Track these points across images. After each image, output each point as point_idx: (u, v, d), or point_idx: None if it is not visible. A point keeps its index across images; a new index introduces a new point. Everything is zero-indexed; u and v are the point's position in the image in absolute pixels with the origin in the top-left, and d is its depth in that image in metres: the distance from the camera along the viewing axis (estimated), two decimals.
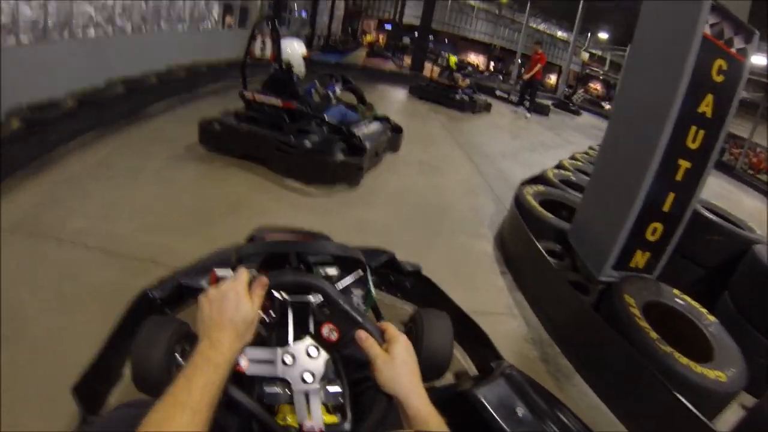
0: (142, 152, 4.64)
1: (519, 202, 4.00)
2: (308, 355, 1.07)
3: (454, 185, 5.63)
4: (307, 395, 1.03)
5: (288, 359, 1.05)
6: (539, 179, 4.89)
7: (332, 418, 1.06)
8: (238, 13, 12.14)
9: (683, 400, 2.09)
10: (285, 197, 4.21)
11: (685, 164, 2.69)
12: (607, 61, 37.46)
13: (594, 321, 2.61)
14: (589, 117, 19.75)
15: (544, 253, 3.19)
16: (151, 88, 6.33)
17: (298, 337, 1.11)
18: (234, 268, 1.25)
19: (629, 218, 2.75)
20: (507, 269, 3.65)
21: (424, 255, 2.79)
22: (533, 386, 1.66)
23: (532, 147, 9.36)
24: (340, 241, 1.72)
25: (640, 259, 2.97)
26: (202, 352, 0.92)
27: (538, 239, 3.38)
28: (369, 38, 42.58)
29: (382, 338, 1.06)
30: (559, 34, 39.78)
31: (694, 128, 2.62)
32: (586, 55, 32.74)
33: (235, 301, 1.00)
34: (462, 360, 2.41)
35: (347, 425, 1.05)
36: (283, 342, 1.11)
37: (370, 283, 1.57)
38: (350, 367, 1.19)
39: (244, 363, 1.01)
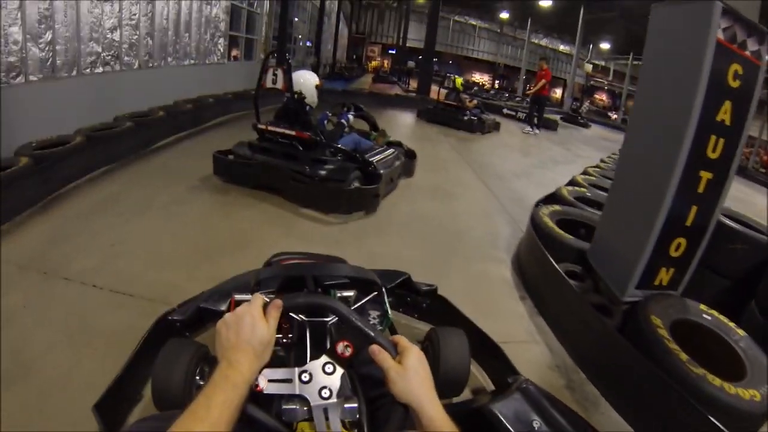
0: (150, 187, 4.63)
1: (535, 223, 3.89)
2: (325, 371, 1.09)
3: (468, 209, 5.54)
4: (326, 411, 1.06)
5: (305, 377, 1.08)
6: (554, 198, 4.79)
7: None
8: (243, 46, 12.26)
9: (719, 425, 1.96)
10: (297, 228, 4.16)
11: (706, 175, 2.59)
12: (611, 71, 37.51)
13: (620, 345, 2.49)
14: (597, 128, 19.80)
15: (564, 275, 3.09)
16: (159, 122, 6.35)
17: (315, 356, 1.14)
18: (253, 292, 1.32)
19: (652, 235, 2.64)
20: (526, 294, 3.53)
21: (441, 284, 2.72)
22: (550, 400, 1.67)
23: (543, 164, 9.29)
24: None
25: (664, 276, 2.86)
26: (222, 372, 0.96)
27: (557, 261, 3.27)
28: (374, 64, 43.12)
29: (395, 351, 1.09)
30: (561, 47, 39.95)
31: (713, 137, 2.52)
32: (589, 67, 32.80)
33: (251, 324, 1.03)
34: (479, 376, 2.41)
35: None
36: (302, 361, 1.15)
37: (387, 304, 1.63)
38: (367, 384, 1.21)
39: (262, 383, 1.03)
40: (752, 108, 2.61)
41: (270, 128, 4.99)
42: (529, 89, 14.01)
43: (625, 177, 3.20)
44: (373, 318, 1.63)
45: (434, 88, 16.84)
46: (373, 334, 1.11)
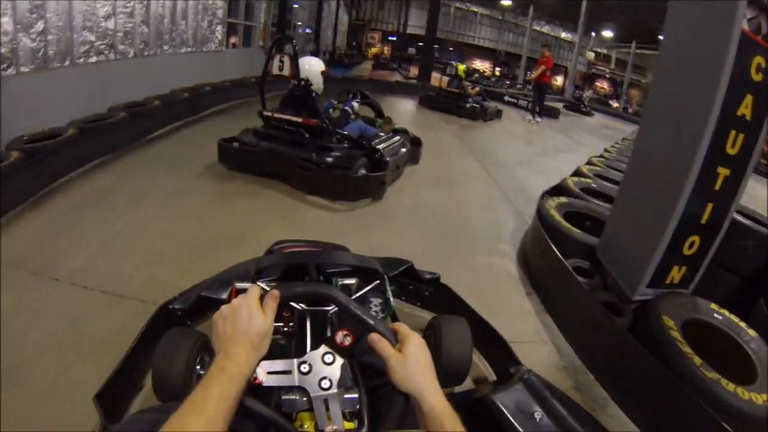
0: (145, 178, 4.53)
1: (542, 216, 3.78)
2: (324, 362, 1.08)
3: (472, 199, 5.45)
4: (326, 401, 1.05)
5: (305, 368, 1.06)
6: (559, 189, 4.69)
7: (350, 425, 1.07)
8: (242, 33, 12.10)
9: None
10: (302, 216, 4.09)
11: (724, 172, 2.49)
12: (613, 59, 37.30)
13: (631, 346, 2.40)
14: (598, 117, 19.71)
15: (573, 272, 2.99)
16: (154, 112, 6.23)
17: (315, 345, 1.13)
18: (253, 280, 1.35)
19: (666, 233, 2.55)
20: (533, 290, 3.44)
21: (444, 278, 2.69)
22: (552, 391, 1.68)
23: (546, 152, 9.22)
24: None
25: (676, 274, 2.77)
26: (219, 364, 0.94)
27: (565, 256, 3.18)
28: (374, 50, 42.91)
29: (395, 339, 1.07)
30: (563, 35, 39.70)
31: (733, 132, 2.42)
32: (591, 55, 32.64)
33: (247, 315, 1.01)
34: (481, 366, 2.41)
35: (365, 431, 1.06)
36: (302, 350, 1.16)
37: (389, 292, 1.63)
38: (368, 374, 1.21)
39: (261, 375, 1.02)
40: None
41: (276, 115, 4.96)
42: (530, 76, 13.94)
43: (638, 172, 3.10)
44: (375, 306, 1.62)
45: (435, 75, 16.78)
46: (372, 322, 1.08)
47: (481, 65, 43.46)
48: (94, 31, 5.92)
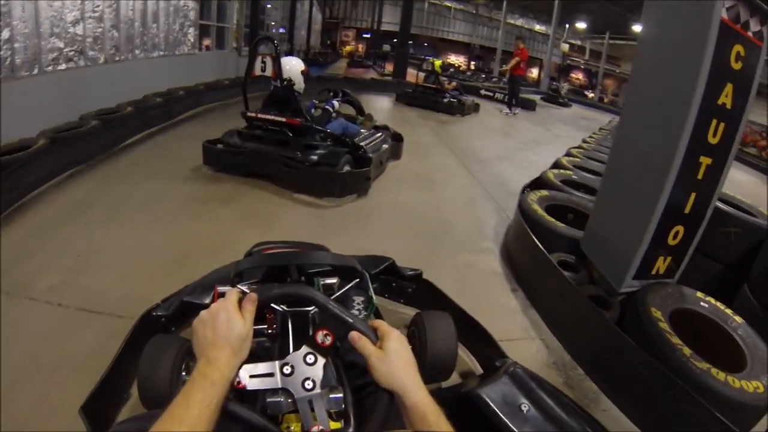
0: (119, 188, 4.41)
1: (524, 211, 3.77)
2: (306, 362, 1.08)
3: (453, 197, 5.42)
4: (310, 402, 1.05)
5: (287, 369, 1.07)
6: (540, 182, 4.68)
7: (336, 425, 1.07)
8: (215, 35, 11.93)
9: (728, 423, 1.89)
10: (272, 230, 3.98)
11: (706, 161, 2.49)
12: (587, 50, 37.60)
13: (620, 339, 2.39)
14: (575, 107, 19.91)
15: (558, 267, 2.97)
16: (127, 119, 6.07)
17: (298, 346, 1.12)
18: (233, 284, 1.34)
19: (651, 224, 2.55)
20: (518, 286, 3.42)
21: (429, 279, 2.69)
22: (538, 382, 1.70)
23: (525, 145, 9.23)
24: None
25: (661, 265, 2.77)
26: (200, 370, 0.94)
27: (549, 250, 3.17)
28: (348, 48, 42.75)
29: (375, 336, 1.08)
30: (537, 27, 39.91)
31: (714, 121, 2.42)
32: (566, 46, 32.86)
33: (226, 319, 1.01)
34: (467, 360, 2.43)
35: (351, 430, 1.06)
36: (286, 352, 1.15)
37: (371, 290, 1.66)
38: (352, 373, 1.22)
39: (244, 379, 1.03)
40: (753, 92, 2.52)
41: (260, 116, 5.01)
42: (504, 68, 14.03)
43: (620, 164, 3.09)
44: (358, 304, 1.64)
45: (410, 71, 16.74)
46: (351, 320, 1.09)
47: (456, 60, 43.51)
48: (62, 37, 5.75)
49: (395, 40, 23.87)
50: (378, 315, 2.11)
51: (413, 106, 11.97)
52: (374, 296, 1.68)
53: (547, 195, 4.11)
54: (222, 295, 1.14)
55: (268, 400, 1.06)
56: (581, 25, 32.02)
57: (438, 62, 12.56)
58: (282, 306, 1.26)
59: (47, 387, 2.02)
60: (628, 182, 2.89)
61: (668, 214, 2.55)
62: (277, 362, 1.08)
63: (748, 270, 3.06)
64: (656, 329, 2.39)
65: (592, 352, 2.65)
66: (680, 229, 2.67)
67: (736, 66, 2.38)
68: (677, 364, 2.22)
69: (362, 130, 5.89)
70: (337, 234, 3.93)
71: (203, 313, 1.05)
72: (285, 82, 4.90)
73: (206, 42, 11.73)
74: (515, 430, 1.49)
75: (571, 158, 5.88)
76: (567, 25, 32.90)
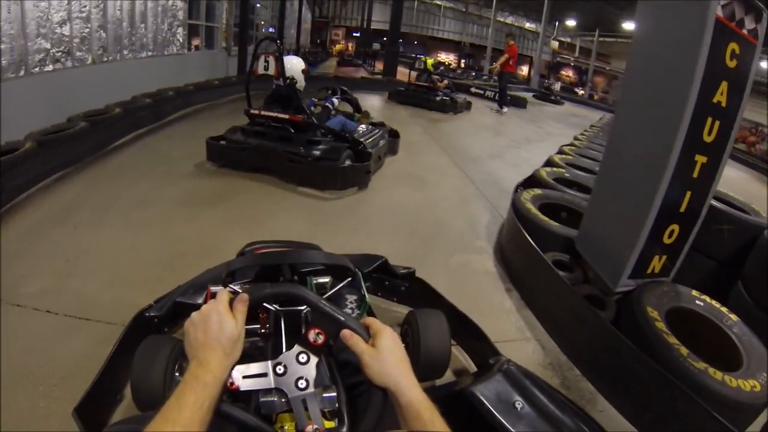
0: (108, 191, 4.35)
1: (517, 210, 3.75)
2: (299, 362, 1.08)
3: (446, 196, 5.40)
4: (304, 401, 1.05)
5: (280, 369, 1.07)
6: (533, 181, 4.67)
7: (330, 424, 1.07)
8: (204, 34, 11.84)
9: (726, 423, 1.89)
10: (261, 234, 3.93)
11: (701, 159, 2.49)
12: (577, 48, 37.73)
13: (616, 339, 2.38)
14: (566, 105, 19.90)
15: (552, 266, 2.96)
16: (116, 120, 5.99)
17: (291, 345, 1.12)
18: (225, 284, 1.34)
19: (647, 223, 2.54)
20: (512, 286, 3.40)
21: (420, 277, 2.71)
22: (532, 380, 1.69)
23: (517, 143, 9.22)
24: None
25: (657, 263, 2.76)
26: (192, 372, 0.93)
27: (543, 250, 3.15)
28: (338, 47, 42.68)
29: (367, 334, 1.07)
30: (527, 25, 40.01)
31: (710, 120, 2.41)
32: (555, 44, 32.99)
33: (217, 321, 1.01)
34: (461, 358, 2.42)
35: (345, 430, 1.06)
36: (279, 351, 1.14)
37: (363, 288, 1.66)
38: (346, 371, 1.23)
39: (237, 380, 1.02)
40: (747, 90, 2.51)
41: (264, 113, 5.19)
42: (493, 66, 14.07)
43: (615, 163, 3.08)
44: (351, 303, 1.63)
45: (401, 69, 16.72)
46: (343, 318, 1.08)
47: (446, 58, 43.51)
48: (49, 38, 5.69)
49: (385, 39, 23.81)
50: (371, 313, 2.09)
51: (406, 104, 11.96)
52: (367, 295, 1.68)
53: (540, 194, 4.09)
54: (215, 295, 1.13)
55: (262, 400, 1.06)
56: (571, 23, 32.17)
57: (430, 61, 12.60)
58: (274, 305, 1.24)
59: (34, 401, 1.97)
60: (623, 181, 2.88)
61: (664, 212, 2.54)
62: (269, 362, 1.08)
63: (741, 267, 3.07)
64: (653, 329, 2.38)
65: (588, 353, 2.63)
66: (676, 227, 2.66)
67: (731, 64, 2.37)
68: (674, 363, 2.21)
69: (361, 127, 6.06)
70: (330, 234, 3.90)
71: (194, 314, 1.05)
72: (288, 81, 5.05)
73: (195, 42, 11.64)
74: (509, 427, 1.49)
75: (563, 156, 5.87)
76: (557, 23, 33.06)
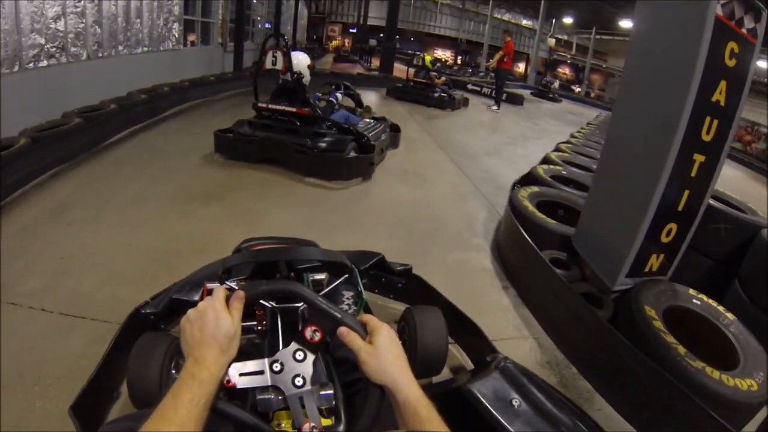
0: (103, 188, 4.33)
1: (514, 207, 3.75)
2: (295, 359, 1.06)
3: (443, 193, 5.41)
4: (301, 399, 1.04)
5: (277, 366, 1.05)
6: (530, 178, 4.66)
7: (327, 421, 1.06)
8: (199, 30, 11.79)
9: (723, 422, 1.89)
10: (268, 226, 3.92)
11: (699, 158, 2.48)
12: (574, 45, 37.69)
13: (613, 338, 2.38)
14: (562, 102, 19.90)
15: (550, 264, 2.95)
16: (111, 116, 5.96)
17: (287, 343, 1.10)
18: (221, 281, 1.33)
19: (644, 222, 2.54)
20: (509, 283, 3.40)
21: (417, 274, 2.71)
22: (529, 377, 1.70)
23: (514, 140, 9.24)
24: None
25: (654, 262, 2.76)
26: (188, 369, 0.92)
27: (540, 247, 3.14)
28: (335, 43, 42.56)
29: (364, 331, 1.07)
30: (524, 22, 39.94)
31: (708, 119, 2.41)
32: (552, 41, 32.92)
33: (214, 318, 1.00)
34: (458, 355, 2.42)
35: (342, 427, 1.05)
36: (275, 349, 1.12)
37: (360, 285, 1.65)
38: (344, 369, 1.22)
39: (234, 377, 1.01)
40: (746, 89, 2.51)
41: (271, 106, 5.42)
42: (489, 63, 14.09)
43: (613, 161, 3.07)
44: (348, 299, 1.62)
45: (397, 66, 16.68)
46: (339, 315, 1.07)
47: (443, 54, 43.41)
48: (43, 33, 5.65)
49: (381, 35, 23.78)
50: (368, 310, 2.07)
51: (404, 100, 12.01)
52: (364, 292, 1.67)
53: (537, 191, 4.09)
54: (211, 292, 1.11)
55: (258, 397, 1.05)
56: (568, 20, 32.11)
57: (428, 57, 12.60)
58: (271, 302, 1.23)
59: (29, 402, 1.95)
60: (621, 180, 2.87)
61: (661, 211, 2.54)
62: (266, 359, 1.07)
63: (738, 266, 3.07)
64: (650, 328, 2.38)
65: (585, 351, 2.63)
66: (673, 226, 2.66)
67: (730, 63, 2.37)
68: (671, 362, 2.21)
69: (366, 120, 6.33)
70: (327, 232, 3.88)
71: (190, 311, 1.03)
72: (295, 75, 5.28)
73: (191, 38, 11.60)
74: (506, 425, 1.49)
75: (560, 153, 5.87)
76: (554, 20, 33.00)
